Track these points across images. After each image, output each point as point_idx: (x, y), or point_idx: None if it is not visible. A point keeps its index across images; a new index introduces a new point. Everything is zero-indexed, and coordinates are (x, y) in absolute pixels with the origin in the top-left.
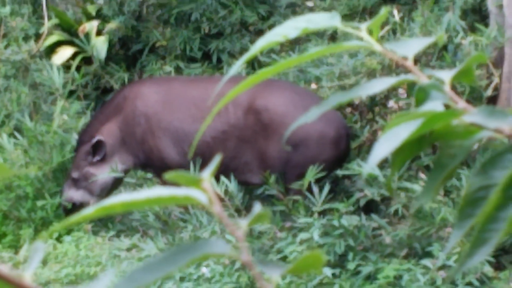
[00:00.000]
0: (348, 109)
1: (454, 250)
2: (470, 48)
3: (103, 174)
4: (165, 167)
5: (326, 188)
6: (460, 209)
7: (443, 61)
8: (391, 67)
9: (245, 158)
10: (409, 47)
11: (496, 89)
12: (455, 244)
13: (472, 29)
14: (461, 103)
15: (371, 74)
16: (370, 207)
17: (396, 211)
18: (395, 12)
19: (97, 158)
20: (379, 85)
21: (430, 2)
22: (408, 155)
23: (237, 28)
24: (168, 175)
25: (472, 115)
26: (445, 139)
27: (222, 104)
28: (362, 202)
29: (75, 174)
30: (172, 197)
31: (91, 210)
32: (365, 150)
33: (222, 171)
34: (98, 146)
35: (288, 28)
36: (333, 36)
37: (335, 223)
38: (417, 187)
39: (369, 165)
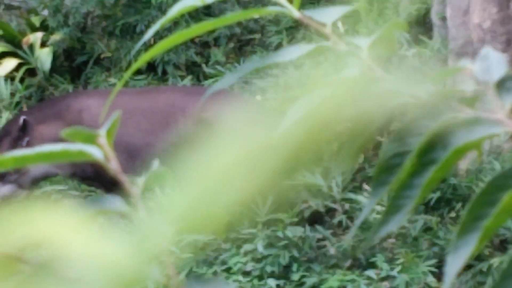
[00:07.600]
0: None
1: (397, 261)
2: (414, 60)
3: (34, 166)
4: (114, 181)
5: (270, 198)
6: (374, 176)
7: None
8: None
9: None
10: (328, 14)
11: None
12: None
13: (416, 41)
14: (378, 71)
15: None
16: (314, 218)
17: (340, 222)
18: (340, 24)
19: (27, 139)
20: (297, 51)
21: (374, 14)
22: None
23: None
24: (65, 132)
25: (388, 82)
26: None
27: (135, 68)
28: (306, 213)
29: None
30: (65, 152)
31: None
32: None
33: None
34: (24, 127)
35: None
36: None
37: (280, 234)
38: (361, 198)
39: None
